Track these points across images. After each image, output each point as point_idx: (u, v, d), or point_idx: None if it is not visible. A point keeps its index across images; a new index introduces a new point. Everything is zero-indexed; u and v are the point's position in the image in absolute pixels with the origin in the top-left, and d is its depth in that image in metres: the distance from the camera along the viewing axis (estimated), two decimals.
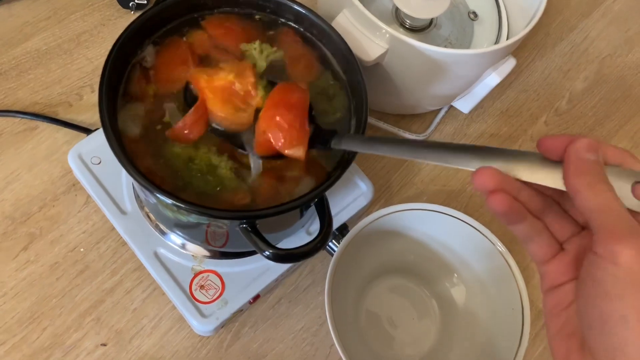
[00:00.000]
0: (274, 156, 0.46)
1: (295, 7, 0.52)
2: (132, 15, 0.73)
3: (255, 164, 0.47)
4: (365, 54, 0.56)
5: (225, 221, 0.46)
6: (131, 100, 0.48)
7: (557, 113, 0.77)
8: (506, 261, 0.56)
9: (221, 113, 0.46)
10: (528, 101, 0.78)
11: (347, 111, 0.51)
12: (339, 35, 0.51)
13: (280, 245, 0.57)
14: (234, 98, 0.46)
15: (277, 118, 0.45)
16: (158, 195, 0.42)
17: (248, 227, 0.44)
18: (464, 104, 0.69)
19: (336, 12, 0.57)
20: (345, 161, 0.47)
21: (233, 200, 0.45)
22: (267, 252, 0.44)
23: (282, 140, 0.45)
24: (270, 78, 0.49)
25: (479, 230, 0.57)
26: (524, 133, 0.75)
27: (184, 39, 0.51)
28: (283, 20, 0.53)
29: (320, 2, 0.65)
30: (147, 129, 0.47)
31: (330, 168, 0.49)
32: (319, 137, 0.46)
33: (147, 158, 0.46)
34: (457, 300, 0.61)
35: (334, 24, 0.54)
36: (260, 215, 0.43)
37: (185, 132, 0.46)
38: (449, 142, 0.50)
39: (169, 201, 0.42)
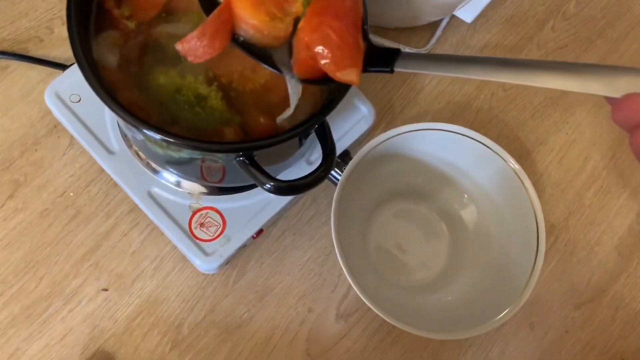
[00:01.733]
0: (318, 80, 0.37)
1: None
2: None
3: (294, 88, 0.39)
4: None
5: (221, 155, 0.43)
6: (105, 28, 0.43)
7: (564, 17, 0.72)
8: (518, 177, 0.53)
9: (253, 20, 0.36)
10: (533, 6, 0.72)
11: None
12: None
13: (280, 177, 0.55)
14: (267, 2, 0.36)
15: (325, 28, 0.35)
16: (145, 130, 0.38)
17: (246, 160, 0.41)
18: (467, 13, 0.64)
19: None
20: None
21: (225, 133, 0.42)
22: (269, 185, 0.41)
23: (331, 58, 0.35)
24: None
25: (488, 147, 0.54)
26: (530, 41, 0.71)
27: None
28: None
29: None
30: (126, 59, 0.43)
31: (327, 89, 0.45)
32: (376, 57, 0.37)
33: (130, 91, 0.42)
34: (468, 221, 0.59)
35: None
36: (258, 146, 0.40)
37: (203, 44, 0.36)
38: (559, 61, 0.41)
39: (158, 137, 0.38)
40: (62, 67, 0.58)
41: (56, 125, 0.58)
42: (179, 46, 0.36)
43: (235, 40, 0.38)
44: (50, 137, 0.58)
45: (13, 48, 0.61)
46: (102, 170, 0.57)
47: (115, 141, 0.54)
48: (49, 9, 0.63)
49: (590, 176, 0.66)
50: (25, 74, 0.60)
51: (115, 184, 0.57)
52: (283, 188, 0.41)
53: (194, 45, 0.36)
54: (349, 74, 0.36)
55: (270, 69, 0.38)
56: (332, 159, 0.43)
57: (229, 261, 0.54)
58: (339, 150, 0.57)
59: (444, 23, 0.68)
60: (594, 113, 0.68)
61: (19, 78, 0.60)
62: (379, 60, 0.38)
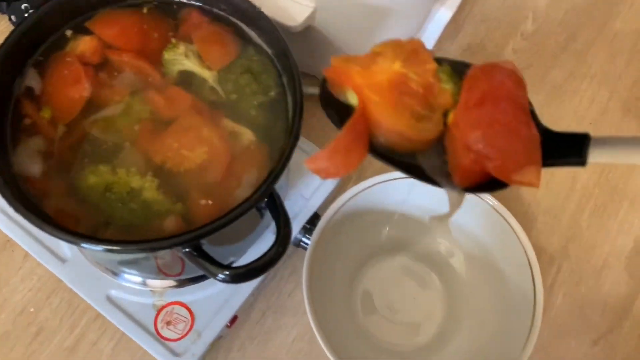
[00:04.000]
0: (485, 185, 0.30)
1: None
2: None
3: (455, 200, 0.32)
4: (290, 19, 0.48)
5: (163, 251, 0.39)
6: (26, 136, 0.40)
7: (523, 37, 0.70)
8: (501, 215, 0.49)
9: (397, 127, 0.29)
10: (489, 31, 0.70)
11: (280, 87, 0.43)
12: (251, 3, 0.43)
13: (247, 254, 0.51)
14: (408, 99, 0.29)
15: (489, 122, 0.28)
16: (66, 241, 0.34)
17: (192, 252, 0.37)
18: None
19: None
20: (287, 145, 0.39)
21: (165, 226, 0.38)
22: (221, 275, 0.37)
23: (502, 159, 0.28)
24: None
25: None
26: None
27: (70, 49, 0.43)
28: (184, 1, 0.46)
29: None
30: (52, 163, 0.40)
31: (274, 154, 0.42)
32: (557, 145, 0.30)
33: (58, 197, 0.39)
34: (458, 269, 0.54)
35: None
36: (198, 235, 0.36)
37: (336, 162, 0.30)
38: None
39: (86, 245, 0.35)
40: None
41: (9, 239, 0.55)
42: (307, 165, 0.30)
43: (374, 149, 0.31)
44: (3, 252, 0.55)
45: None
46: (60, 279, 0.53)
47: (67, 248, 0.50)
48: None
49: (582, 196, 0.61)
50: None
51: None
52: (238, 275, 0.38)
53: (325, 164, 0.30)
54: (527, 175, 0.29)
55: (423, 181, 0.31)
56: (287, 232, 0.39)
57: (204, 357, 0.50)
58: (307, 214, 0.54)
59: None
60: (572, 129, 0.64)
61: None
62: (562, 149, 0.30)
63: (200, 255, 0.37)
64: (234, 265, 0.37)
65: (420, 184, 0.51)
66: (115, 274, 0.50)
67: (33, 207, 0.37)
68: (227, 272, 0.37)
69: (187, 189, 0.40)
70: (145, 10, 0.45)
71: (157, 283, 0.49)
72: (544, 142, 0.30)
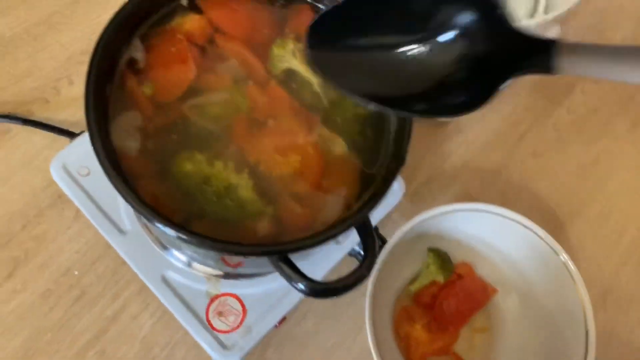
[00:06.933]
0: None
1: None
2: None
3: None
4: None
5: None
6: (124, 109, 0.39)
7: (594, 80, 0.69)
8: (563, 263, 0.50)
9: None
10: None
11: None
12: None
13: (307, 260, 0.51)
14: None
15: None
16: (169, 231, 0.34)
17: (278, 258, 0.37)
18: None
19: None
20: (392, 169, 0.39)
21: (258, 228, 0.38)
22: (302, 286, 0.36)
23: None
24: None
25: (526, 227, 0.50)
26: (559, 105, 0.68)
27: (176, 25, 0.42)
28: None
29: None
30: (148, 143, 0.39)
31: (365, 172, 0.41)
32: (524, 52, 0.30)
33: (151, 179, 0.38)
34: (506, 310, 0.54)
35: None
36: (295, 248, 0.35)
37: None
38: None
39: (184, 237, 0.34)
40: (69, 134, 0.54)
41: (60, 196, 0.54)
42: None
43: None
44: (54, 209, 0.54)
45: (16, 110, 0.57)
46: (109, 246, 0.52)
47: (127, 220, 0.49)
48: (55, 67, 0.59)
49: (627, 250, 0.62)
50: (28, 138, 0.56)
51: (124, 262, 0.52)
52: (319, 290, 0.37)
53: None
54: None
55: None
56: (373, 258, 0.38)
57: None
58: None
59: None
60: (627, 184, 0.65)
61: (22, 143, 0.56)
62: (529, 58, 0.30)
63: (286, 263, 0.37)
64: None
65: (486, 218, 0.51)
66: (166, 248, 0.49)
67: (128, 184, 0.36)
68: (306, 284, 0.37)
69: (279, 194, 0.40)
70: None
71: (214, 271, 0.49)
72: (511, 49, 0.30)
